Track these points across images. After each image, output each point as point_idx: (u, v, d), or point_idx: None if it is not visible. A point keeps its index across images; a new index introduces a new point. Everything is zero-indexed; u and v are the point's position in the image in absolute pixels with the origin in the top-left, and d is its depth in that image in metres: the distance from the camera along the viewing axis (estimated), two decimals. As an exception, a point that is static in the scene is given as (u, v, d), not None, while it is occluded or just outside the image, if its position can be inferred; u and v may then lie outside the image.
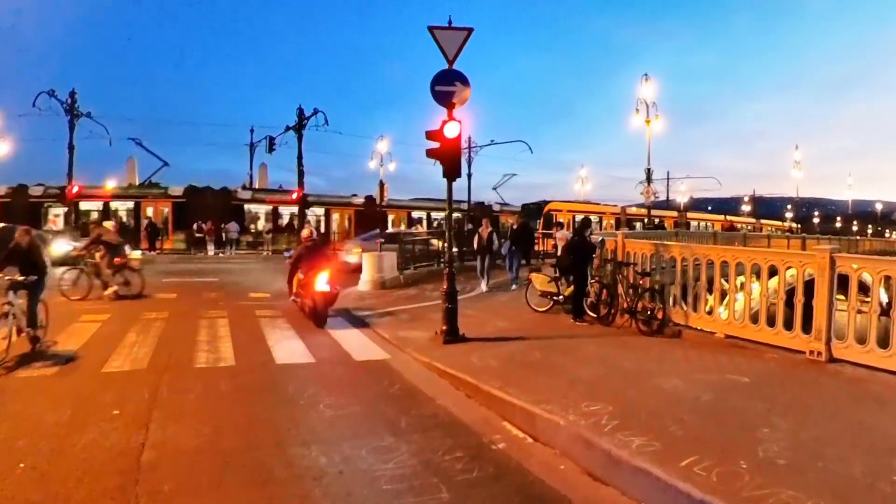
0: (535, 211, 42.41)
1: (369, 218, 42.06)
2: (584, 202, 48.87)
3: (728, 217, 59.65)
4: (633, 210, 48.69)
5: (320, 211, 43.47)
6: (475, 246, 17.59)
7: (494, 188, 47.80)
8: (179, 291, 16.58)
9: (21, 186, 35.59)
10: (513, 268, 17.73)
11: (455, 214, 45.80)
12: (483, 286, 16.70)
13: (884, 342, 7.59)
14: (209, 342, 9.96)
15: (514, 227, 18.32)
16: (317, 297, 11.93)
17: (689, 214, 54.93)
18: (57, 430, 5.83)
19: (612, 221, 44.40)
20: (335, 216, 44.61)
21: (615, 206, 48.74)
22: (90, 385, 7.43)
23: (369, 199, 45.06)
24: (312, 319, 11.98)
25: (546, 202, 44.49)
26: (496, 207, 49.98)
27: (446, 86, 9.61)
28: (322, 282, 12.04)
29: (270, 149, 40.30)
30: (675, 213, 52.82)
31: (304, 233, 13.91)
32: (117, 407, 6.54)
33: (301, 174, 37.20)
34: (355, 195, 46.55)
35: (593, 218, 44.58)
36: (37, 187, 35.77)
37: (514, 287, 16.73)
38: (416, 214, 48.58)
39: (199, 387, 7.44)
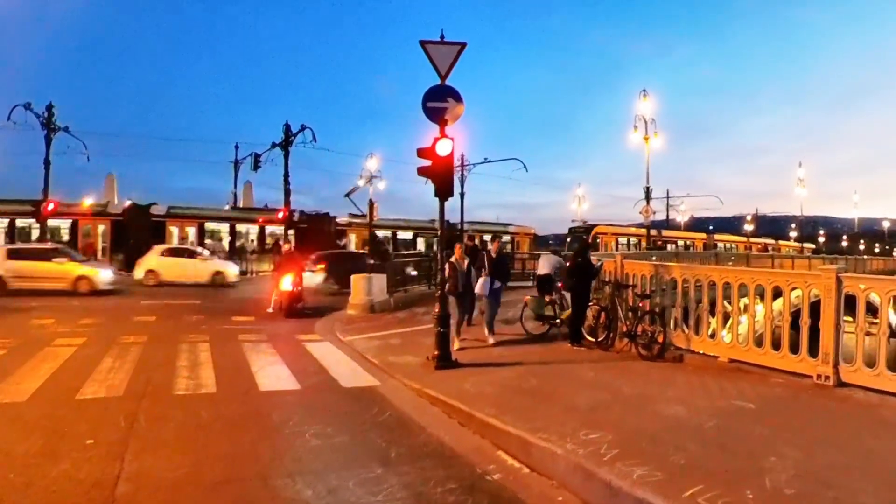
0: (583, 234, 45.30)
1: (136, 231, 35.55)
2: (626, 226, 53.73)
3: (751, 238, 61.92)
4: (668, 233, 53.21)
5: (65, 223, 36.72)
6: (450, 283, 11.10)
7: (347, 195, 41.07)
8: (159, 314, 16.32)
9: None
10: (493, 309, 12.19)
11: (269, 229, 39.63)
12: (457, 342, 11.12)
13: (894, 365, 7.44)
14: (189, 368, 9.70)
15: (492, 252, 12.49)
16: (283, 295, 16.41)
17: (717, 237, 58.61)
18: (27, 461, 5.59)
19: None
20: (84, 228, 37.17)
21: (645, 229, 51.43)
22: (63, 413, 7.17)
23: (135, 207, 37.67)
24: (282, 311, 16.18)
25: (594, 226, 48.81)
26: (343, 220, 43.50)
27: (438, 102, 9.46)
28: (286, 283, 16.43)
29: (256, 166, 39.97)
30: (704, 235, 56.66)
31: (285, 247, 18.76)
32: (92, 436, 6.31)
33: (287, 192, 36.82)
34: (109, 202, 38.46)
35: (633, 240, 48.68)
36: None
37: (491, 340, 11.69)
38: (213, 226, 40.54)
39: (178, 415, 7.19)
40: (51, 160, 32.56)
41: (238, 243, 39.83)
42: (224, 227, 40.61)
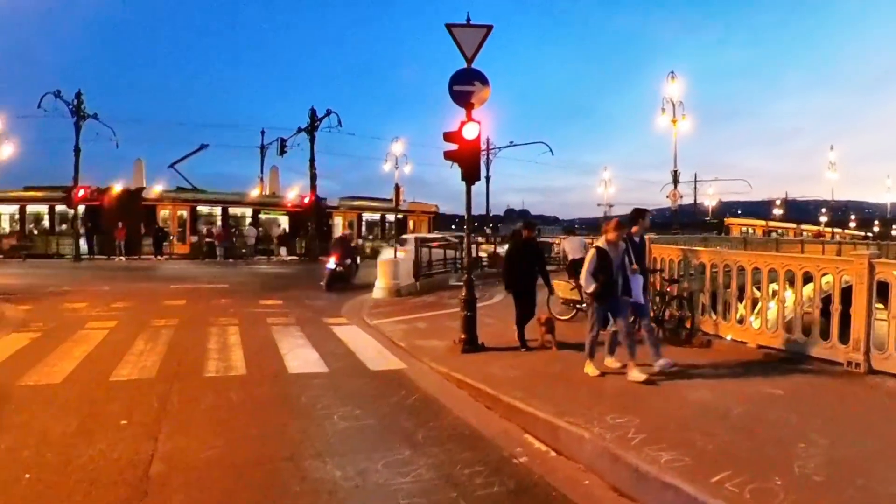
0: (716, 225, 53.19)
1: None
2: (749, 218, 63.79)
3: (824, 228, 64.87)
4: (773, 223, 61.89)
5: None
6: (598, 283, 7.73)
7: (172, 165, 38.10)
8: (189, 298, 16.57)
9: None
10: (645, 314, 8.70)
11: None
12: (635, 373, 7.51)
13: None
14: (219, 350, 9.84)
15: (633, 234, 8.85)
16: (326, 273, 19.67)
17: (805, 226, 65.45)
18: (63, 441, 5.73)
19: (760, 233, 55.94)
20: None
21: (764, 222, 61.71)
22: (97, 394, 7.32)
23: None
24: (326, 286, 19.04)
25: (724, 217, 60.12)
26: (153, 194, 37.13)
27: (465, 85, 9.43)
28: (331, 262, 19.79)
29: (282, 151, 39.99)
30: (795, 225, 63.18)
31: (343, 232, 21.97)
32: (125, 417, 6.44)
33: (313, 177, 36.93)
34: None
35: (750, 230, 55.37)
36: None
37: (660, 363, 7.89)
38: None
39: (209, 397, 7.30)
40: (80, 147, 33.06)
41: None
42: None
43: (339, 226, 40.33)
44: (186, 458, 5.36)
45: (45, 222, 36.67)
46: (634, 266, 8.27)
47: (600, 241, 7.91)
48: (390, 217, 43.44)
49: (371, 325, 12.56)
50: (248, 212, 39.56)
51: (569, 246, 15.65)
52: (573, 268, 13.41)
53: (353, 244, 24.28)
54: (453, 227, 69.82)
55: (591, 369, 7.83)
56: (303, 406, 7.06)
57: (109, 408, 6.74)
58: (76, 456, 5.32)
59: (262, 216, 39.92)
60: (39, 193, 36.30)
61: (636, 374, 7.45)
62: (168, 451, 5.50)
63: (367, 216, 44.71)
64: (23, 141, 36.47)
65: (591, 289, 7.81)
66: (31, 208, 36.75)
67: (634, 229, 8.90)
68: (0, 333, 10.94)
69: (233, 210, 39.15)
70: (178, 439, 5.82)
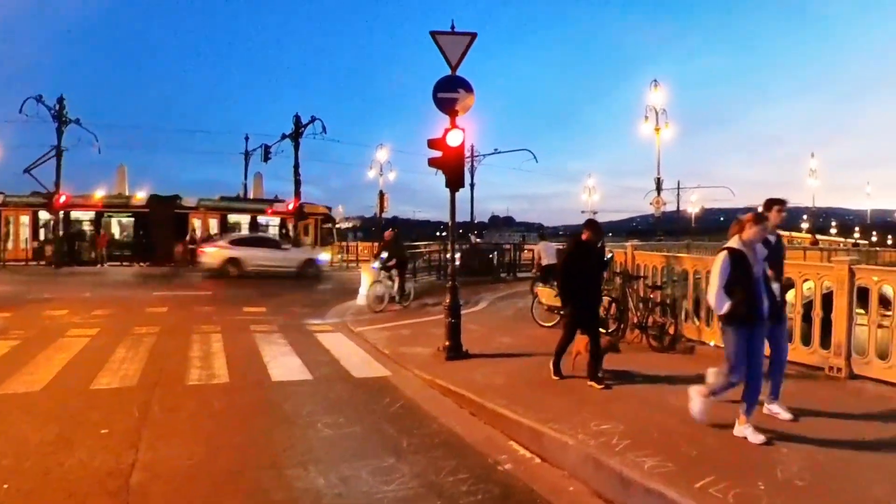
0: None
1: None
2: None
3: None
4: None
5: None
6: (735, 300, 5.70)
7: (27, 170, 33.50)
8: (171, 305, 16.39)
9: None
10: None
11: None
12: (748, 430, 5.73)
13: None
14: (202, 358, 9.74)
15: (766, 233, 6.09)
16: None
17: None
18: (42, 450, 5.65)
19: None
20: None
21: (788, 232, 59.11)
22: (77, 403, 7.21)
23: None
24: None
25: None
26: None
27: (449, 93, 9.47)
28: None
29: (266, 157, 39.59)
30: (809, 235, 61.04)
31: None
32: (106, 426, 6.36)
33: (297, 183, 36.63)
34: None
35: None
36: None
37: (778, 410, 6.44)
38: None
39: (191, 405, 7.24)
40: (62, 152, 32.59)
41: None
42: None
43: (198, 228, 36.00)
44: (168, 467, 5.31)
45: None
46: (771, 272, 6.14)
47: (732, 242, 5.82)
48: (268, 220, 38.31)
49: (355, 331, 12.51)
50: (91, 215, 35.22)
51: (543, 251, 15.99)
52: (547, 273, 13.58)
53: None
54: (438, 234, 69.40)
55: (749, 431, 5.64)
56: (286, 414, 7.02)
57: (90, 416, 6.66)
58: (56, 465, 5.26)
59: (106, 219, 35.80)
60: None
61: (749, 432, 5.63)
62: (149, 460, 5.44)
63: (233, 218, 37.76)
64: (6, 146, 35.99)
65: (724, 309, 5.76)
66: None
67: (774, 221, 6.58)
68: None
69: (75, 214, 34.95)
70: (159, 448, 5.76)
